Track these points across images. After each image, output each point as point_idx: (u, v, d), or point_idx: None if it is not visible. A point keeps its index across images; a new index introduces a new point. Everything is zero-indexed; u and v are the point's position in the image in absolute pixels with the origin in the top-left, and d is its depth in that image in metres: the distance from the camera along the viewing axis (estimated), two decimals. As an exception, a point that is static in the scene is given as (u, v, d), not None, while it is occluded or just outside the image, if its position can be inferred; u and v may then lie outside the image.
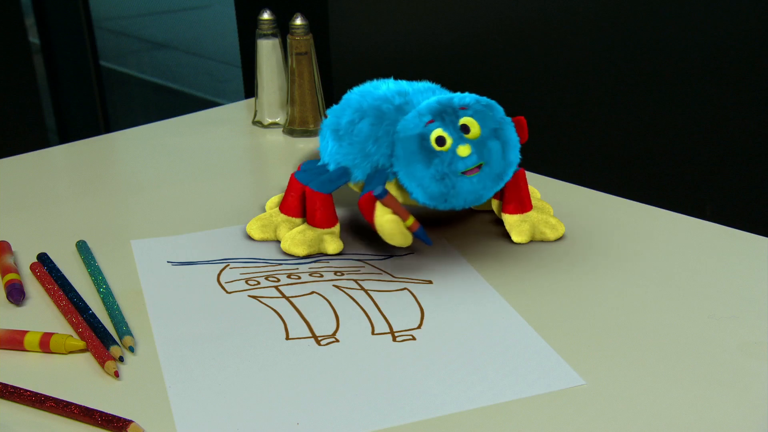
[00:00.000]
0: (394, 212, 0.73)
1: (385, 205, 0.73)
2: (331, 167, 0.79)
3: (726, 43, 1.61)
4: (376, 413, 0.58)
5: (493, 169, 0.74)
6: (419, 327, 0.68)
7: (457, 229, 0.83)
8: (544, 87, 1.49)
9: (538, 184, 0.92)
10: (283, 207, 0.81)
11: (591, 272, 0.75)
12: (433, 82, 0.82)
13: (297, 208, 0.81)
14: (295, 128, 1.08)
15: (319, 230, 0.79)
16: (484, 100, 0.75)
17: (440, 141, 0.73)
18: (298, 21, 1.04)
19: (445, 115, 0.74)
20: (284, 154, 1.04)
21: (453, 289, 0.73)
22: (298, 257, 0.78)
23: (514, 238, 0.79)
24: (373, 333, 0.67)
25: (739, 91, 1.66)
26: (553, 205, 0.87)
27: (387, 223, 0.72)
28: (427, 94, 0.78)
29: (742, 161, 1.72)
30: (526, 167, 0.95)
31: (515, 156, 0.75)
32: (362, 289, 0.74)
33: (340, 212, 0.87)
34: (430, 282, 0.74)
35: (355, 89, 0.81)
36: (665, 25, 1.56)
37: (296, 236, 0.78)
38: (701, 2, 1.58)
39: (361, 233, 0.83)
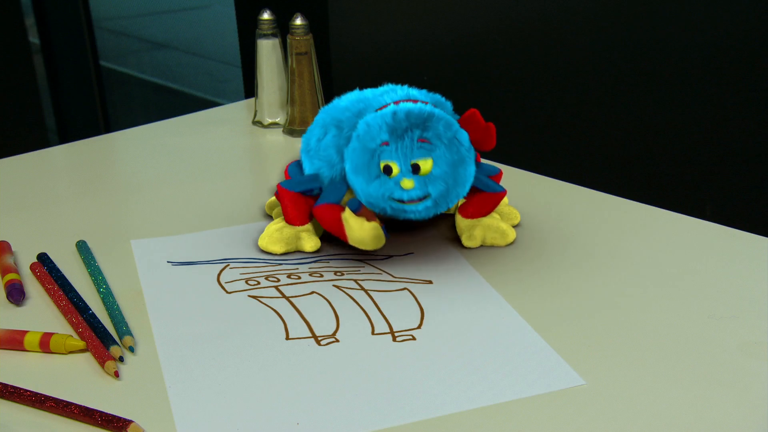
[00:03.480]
0: (368, 220, 0.74)
1: (360, 215, 0.74)
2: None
3: (726, 43, 1.61)
4: (376, 413, 0.58)
5: (436, 206, 0.74)
6: (419, 327, 0.68)
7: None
8: (544, 87, 1.49)
9: (538, 184, 0.92)
10: (287, 219, 0.80)
11: (591, 272, 0.75)
12: (432, 81, 0.82)
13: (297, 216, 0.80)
14: (295, 128, 1.08)
15: (296, 228, 0.79)
16: (448, 135, 0.73)
17: (387, 170, 0.73)
18: (298, 21, 1.04)
19: (400, 142, 0.73)
20: (284, 154, 1.04)
21: (453, 289, 0.73)
22: (276, 255, 0.79)
23: (465, 242, 0.79)
24: (373, 333, 0.67)
25: (739, 91, 1.66)
26: (554, 205, 0.87)
27: (369, 230, 0.74)
28: (388, 95, 0.78)
29: (742, 161, 1.72)
30: (525, 167, 0.95)
31: (462, 192, 0.74)
32: (362, 289, 0.74)
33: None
34: (430, 282, 0.74)
35: (323, 108, 0.82)
36: (665, 25, 1.56)
37: (273, 234, 0.79)
38: (701, 2, 1.58)
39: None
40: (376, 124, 0.73)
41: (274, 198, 0.86)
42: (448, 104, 0.81)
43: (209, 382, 0.62)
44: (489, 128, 0.77)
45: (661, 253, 0.77)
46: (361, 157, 0.73)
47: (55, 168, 1.05)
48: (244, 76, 1.40)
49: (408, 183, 0.73)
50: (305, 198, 0.79)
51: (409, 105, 0.74)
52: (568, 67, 1.49)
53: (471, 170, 0.74)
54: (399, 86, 0.81)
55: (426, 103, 0.76)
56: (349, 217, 0.74)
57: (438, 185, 0.73)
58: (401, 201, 0.73)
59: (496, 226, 0.79)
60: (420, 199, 0.73)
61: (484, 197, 0.79)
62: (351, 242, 0.75)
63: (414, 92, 0.79)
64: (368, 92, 0.80)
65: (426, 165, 0.73)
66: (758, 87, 1.66)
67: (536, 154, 1.49)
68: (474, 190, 0.78)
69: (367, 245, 0.75)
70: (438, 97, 0.81)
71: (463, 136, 0.74)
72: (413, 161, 0.73)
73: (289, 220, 0.79)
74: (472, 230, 0.79)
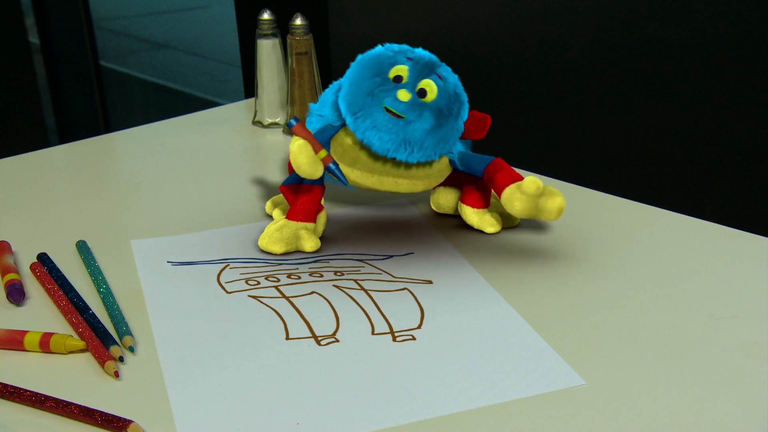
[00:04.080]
0: (315, 149, 0.74)
1: (296, 134, 0.74)
2: None
3: (726, 43, 1.61)
4: (376, 413, 0.58)
5: (405, 133, 0.73)
6: (419, 327, 0.68)
7: (457, 229, 0.83)
8: (544, 87, 1.49)
9: (538, 184, 0.92)
10: (291, 215, 0.80)
11: (591, 272, 0.75)
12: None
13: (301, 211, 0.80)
14: (295, 128, 1.08)
15: (296, 226, 0.79)
16: (460, 89, 0.75)
17: (397, 78, 0.73)
18: (298, 21, 1.04)
19: (420, 65, 0.74)
20: (284, 154, 1.04)
21: (453, 289, 0.73)
22: (276, 255, 0.79)
23: (516, 204, 0.74)
24: (373, 333, 0.67)
25: (739, 91, 1.66)
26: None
27: (296, 147, 0.73)
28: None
29: (742, 161, 1.72)
30: (526, 167, 0.95)
31: (438, 148, 0.74)
32: (362, 289, 0.74)
33: (337, 213, 0.87)
34: (430, 282, 0.74)
35: None
36: (665, 25, 1.56)
37: (273, 234, 0.79)
38: (701, 2, 1.58)
39: (361, 233, 0.83)
40: (405, 48, 0.75)
41: (274, 198, 0.86)
42: None
43: (209, 382, 0.62)
44: (484, 118, 0.77)
45: (661, 253, 0.77)
46: (374, 58, 0.74)
47: (55, 168, 1.05)
48: (244, 76, 1.40)
49: (405, 94, 0.73)
50: (311, 194, 0.78)
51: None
52: (568, 67, 1.49)
53: (453, 137, 0.74)
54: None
55: None
56: (293, 136, 0.74)
57: (426, 118, 0.73)
58: (388, 110, 0.72)
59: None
60: (400, 118, 0.73)
61: (491, 171, 0.77)
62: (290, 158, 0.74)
63: None
64: None
65: (432, 93, 0.73)
66: (758, 87, 1.66)
67: (536, 154, 1.49)
68: (474, 179, 0.79)
69: (297, 160, 0.73)
70: None
71: (467, 104, 0.75)
72: (425, 82, 0.73)
73: (293, 216, 0.79)
74: (516, 194, 0.74)
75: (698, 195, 1.71)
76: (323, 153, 0.74)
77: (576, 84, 1.51)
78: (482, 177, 0.77)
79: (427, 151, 0.73)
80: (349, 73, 0.75)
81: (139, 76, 3.49)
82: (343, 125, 0.76)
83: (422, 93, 0.73)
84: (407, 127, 0.73)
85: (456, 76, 0.76)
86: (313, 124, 0.78)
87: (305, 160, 0.73)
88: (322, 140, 0.76)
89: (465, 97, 0.76)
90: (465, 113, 0.75)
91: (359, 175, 0.77)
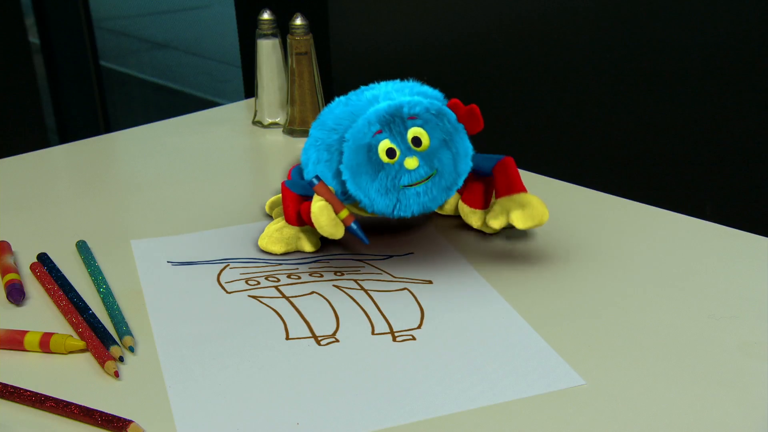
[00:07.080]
0: (336, 209, 0.74)
1: (317, 193, 0.74)
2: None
3: (726, 43, 1.61)
4: (376, 413, 0.58)
5: (443, 180, 0.73)
6: (419, 327, 0.68)
7: (457, 229, 0.83)
8: (544, 87, 1.49)
9: (538, 184, 0.92)
10: (287, 218, 0.80)
11: (591, 272, 0.75)
12: (432, 81, 0.82)
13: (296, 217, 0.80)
14: (295, 128, 1.08)
15: (296, 228, 0.79)
16: (434, 107, 0.73)
17: (390, 153, 0.72)
18: (298, 21, 1.04)
19: (392, 125, 0.72)
20: (284, 154, 1.04)
21: (453, 289, 0.73)
22: (276, 255, 0.79)
23: (490, 221, 0.77)
24: (373, 333, 0.67)
25: (739, 91, 1.66)
26: (553, 205, 0.87)
27: (317, 209, 0.73)
28: (372, 102, 0.77)
29: (742, 161, 1.72)
30: (526, 167, 0.95)
31: (466, 165, 0.74)
32: (362, 289, 0.74)
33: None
34: (430, 282, 0.74)
35: (314, 123, 0.80)
36: (665, 25, 1.56)
37: (273, 234, 0.79)
38: (701, 2, 1.58)
39: (361, 233, 0.83)
40: (365, 122, 0.73)
41: (274, 198, 0.86)
42: (437, 92, 0.80)
43: (209, 382, 0.62)
44: (472, 110, 0.76)
45: (661, 253, 0.77)
46: (357, 156, 0.72)
47: (55, 168, 1.05)
48: (244, 76, 1.40)
49: (412, 161, 0.72)
50: (308, 201, 0.78)
51: (388, 101, 0.74)
52: (568, 67, 1.49)
53: (468, 144, 0.74)
54: (383, 88, 0.79)
55: None
56: (314, 196, 0.74)
57: (442, 156, 0.73)
58: (412, 185, 0.72)
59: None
60: (430, 177, 0.73)
61: (501, 173, 0.77)
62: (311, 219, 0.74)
63: (397, 86, 0.78)
64: (353, 102, 0.78)
65: (424, 137, 0.72)
66: (758, 87, 1.66)
67: (536, 154, 1.49)
68: (475, 180, 0.79)
69: (318, 221, 0.73)
70: (426, 88, 0.80)
71: (449, 110, 0.74)
72: (410, 134, 0.72)
73: (290, 220, 0.79)
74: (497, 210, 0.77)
75: (698, 195, 1.71)
76: (345, 213, 0.74)
77: (576, 84, 1.51)
78: (491, 174, 0.78)
79: (464, 169, 0.74)
80: (350, 184, 0.73)
81: (139, 76, 3.50)
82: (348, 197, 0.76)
83: (417, 143, 0.73)
84: (441, 179, 0.73)
85: (419, 99, 0.74)
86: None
87: (326, 221, 0.73)
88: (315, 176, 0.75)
89: (439, 103, 0.74)
90: (452, 113, 0.74)
91: None
